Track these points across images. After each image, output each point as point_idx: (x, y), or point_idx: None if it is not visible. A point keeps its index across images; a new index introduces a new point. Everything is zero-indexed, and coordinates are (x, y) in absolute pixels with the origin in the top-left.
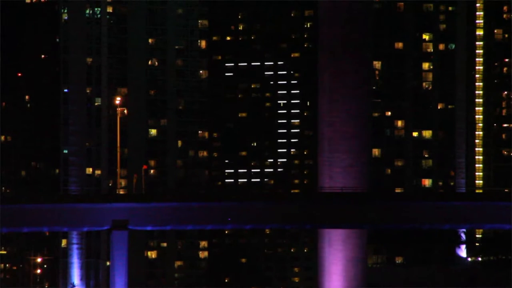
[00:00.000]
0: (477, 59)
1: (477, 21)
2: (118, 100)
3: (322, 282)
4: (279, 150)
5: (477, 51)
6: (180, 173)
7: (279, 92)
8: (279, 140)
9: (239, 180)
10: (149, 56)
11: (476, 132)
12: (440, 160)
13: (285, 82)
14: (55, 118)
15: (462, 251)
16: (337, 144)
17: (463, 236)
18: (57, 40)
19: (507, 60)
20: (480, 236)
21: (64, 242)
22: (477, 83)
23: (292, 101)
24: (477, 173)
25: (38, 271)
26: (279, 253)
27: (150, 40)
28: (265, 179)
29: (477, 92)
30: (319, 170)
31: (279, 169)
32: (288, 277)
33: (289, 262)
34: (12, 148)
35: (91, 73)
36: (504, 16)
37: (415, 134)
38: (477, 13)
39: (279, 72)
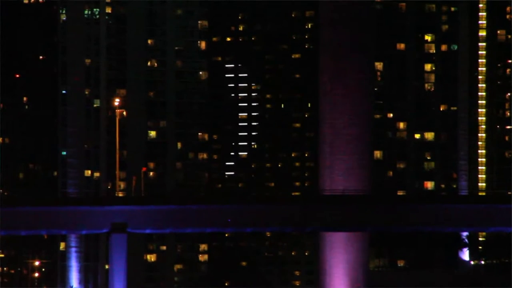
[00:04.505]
0: (479, 60)
1: (479, 21)
2: (117, 102)
3: (323, 286)
4: (279, 152)
5: (479, 52)
6: (179, 176)
7: (279, 93)
8: (279, 142)
9: (239, 182)
10: (148, 57)
11: (479, 134)
12: (443, 162)
13: (286, 83)
14: (53, 120)
15: (465, 255)
16: (338, 146)
17: (466, 239)
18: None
19: (510, 61)
20: (483, 239)
21: (62, 245)
22: (479, 85)
23: (293, 103)
24: (479, 176)
25: (36, 274)
26: (280, 256)
27: (149, 41)
28: (266, 182)
29: (479, 93)
30: (320, 172)
31: (279, 172)
32: (289, 281)
33: (290, 266)
34: (10, 150)
35: (90, 74)
36: (507, 16)
37: (417, 136)
38: (480, 13)
39: (279, 73)
